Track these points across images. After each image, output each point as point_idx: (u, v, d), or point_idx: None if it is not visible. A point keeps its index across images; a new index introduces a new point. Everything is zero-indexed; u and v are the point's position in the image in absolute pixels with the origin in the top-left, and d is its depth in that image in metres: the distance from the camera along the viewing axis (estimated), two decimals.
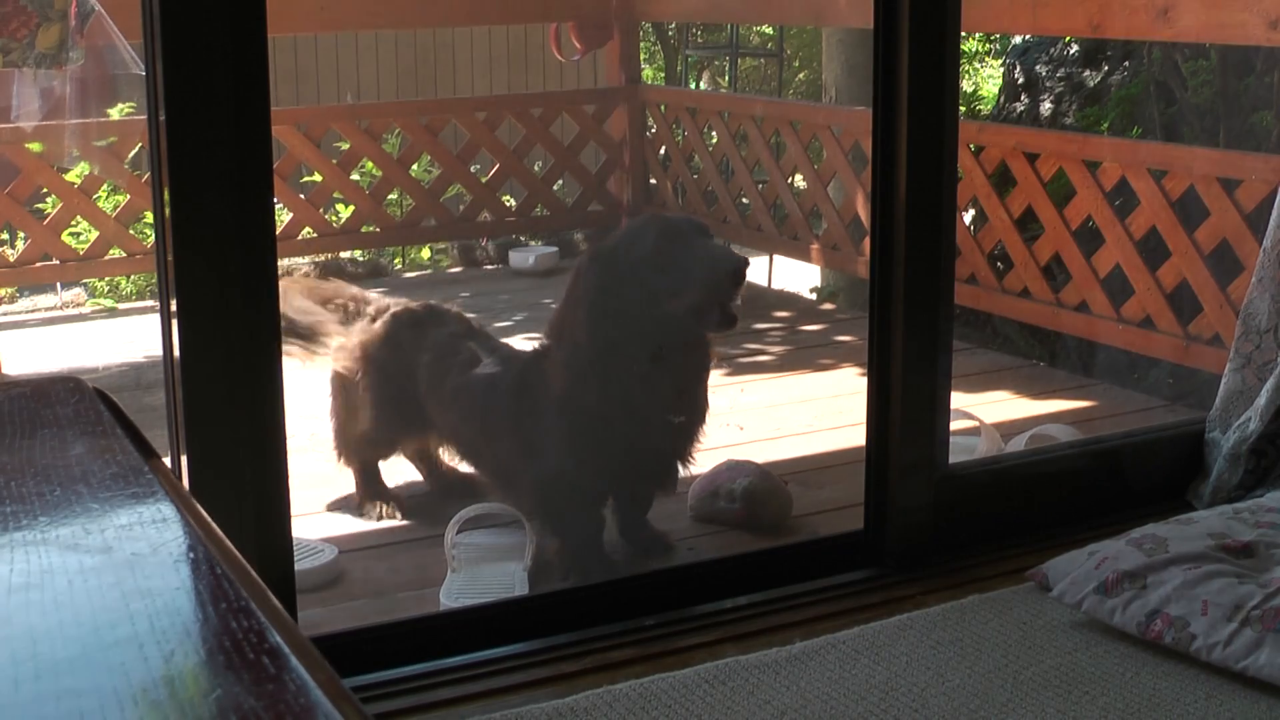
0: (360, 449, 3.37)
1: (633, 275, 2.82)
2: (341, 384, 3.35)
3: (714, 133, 6.54)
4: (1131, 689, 2.35)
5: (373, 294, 3.48)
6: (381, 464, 3.43)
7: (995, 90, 7.30)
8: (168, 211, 2.17)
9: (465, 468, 3.42)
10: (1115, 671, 2.41)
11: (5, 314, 5.95)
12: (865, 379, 2.86)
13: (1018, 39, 6.31)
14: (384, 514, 3.32)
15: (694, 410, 2.96)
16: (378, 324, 3.32)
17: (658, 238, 2.83)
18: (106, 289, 6.22)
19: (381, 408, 3.30)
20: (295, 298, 3.37)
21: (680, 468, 3.03)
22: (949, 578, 2.80)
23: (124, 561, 0.89)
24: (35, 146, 5.39)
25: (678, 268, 2.80)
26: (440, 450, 3.44)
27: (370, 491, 3.37)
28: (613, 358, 2.84)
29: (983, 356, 4.89)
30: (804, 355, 4.81)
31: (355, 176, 6.19)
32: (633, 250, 2.84)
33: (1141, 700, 2.32)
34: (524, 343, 3.41)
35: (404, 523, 3.31)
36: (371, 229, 6.15)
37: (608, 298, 2.82)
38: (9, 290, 6.10)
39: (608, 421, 2.89)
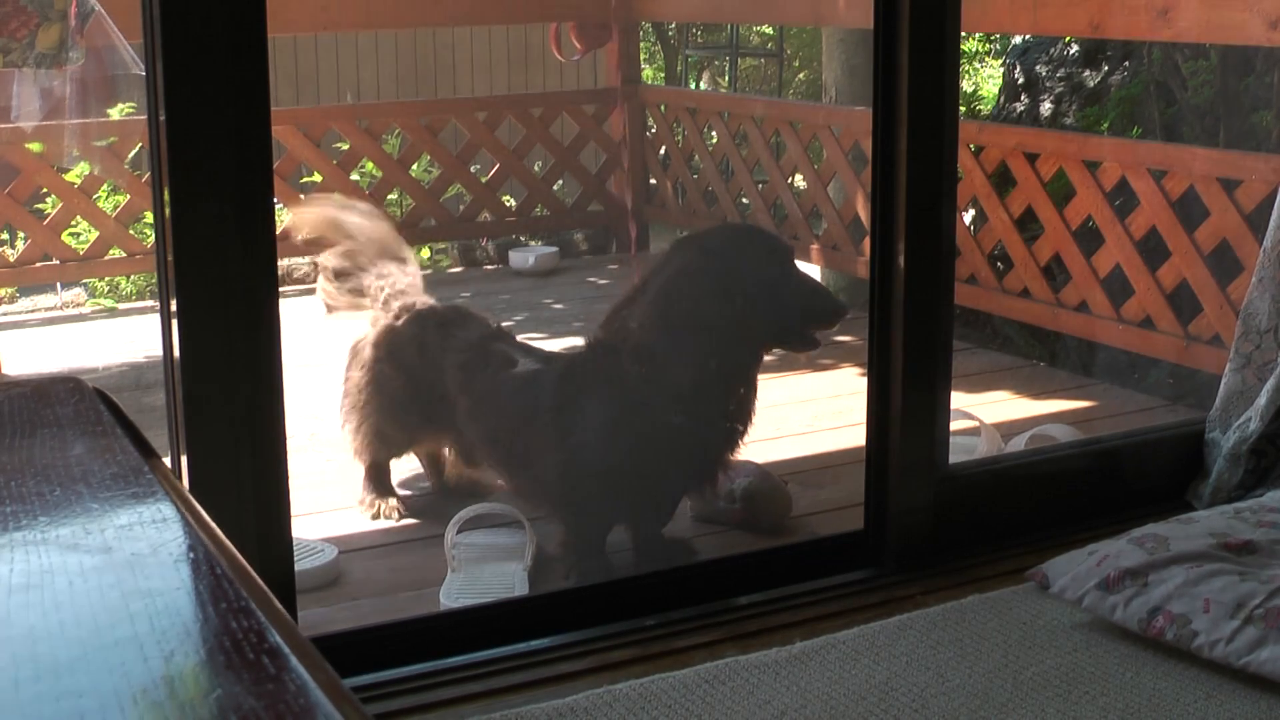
0: (375, 446, 3.36)
1: (724, 282, 2.83)
2: (360, 380, 3.34)
3: (714, 133, 6.54)
4: (1131, 689, 2.35)
5: (402, 283, 3.40)
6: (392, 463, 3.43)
7: (995, 90, 7.30)
8: (168, 211, 2.17)
9: (470, 468, 3.42)
10: (1115, 671, 2.41)
11: (5, 314, 5.94)
12: (865, 379, 2.86)
13: (1018, 39, 6.30)
14: (384, 513, 3.32)
15: (745, 415, 2.96)
16: (401, 322, 3.30)
17: (762, 256, 2.88)
18: (106, 289, 6.22)
19: (400, 406, 3.30)
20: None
21: (721, 473, 3.03)
22: (949, 578, 2.80)
23: (124, 561, 0.89)
24: (35, 146, 5.39)
25: (779, 292, 2.85)
26: (452, 451, 3.43)
27: (376, 489, 3.37)
28: (679, 355, 2.84)
29: (983, 356, 4.89)
30: (804, 355, 4.81)
31: (355, 176, 6.19)
32: (729, 259, 2.86)
33: (1141, 700, 2.32)
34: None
35: (404, 523, 3.31)
36: None
37: (695, 296, 2.82)
38: (9, 290, 6.10)
39: (662, 416, 2.88)
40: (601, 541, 3.01)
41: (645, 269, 3.04)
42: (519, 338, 3.30)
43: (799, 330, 2.93)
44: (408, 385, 3.28)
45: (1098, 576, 2.56)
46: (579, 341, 3.09)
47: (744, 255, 2.88)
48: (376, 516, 3.32)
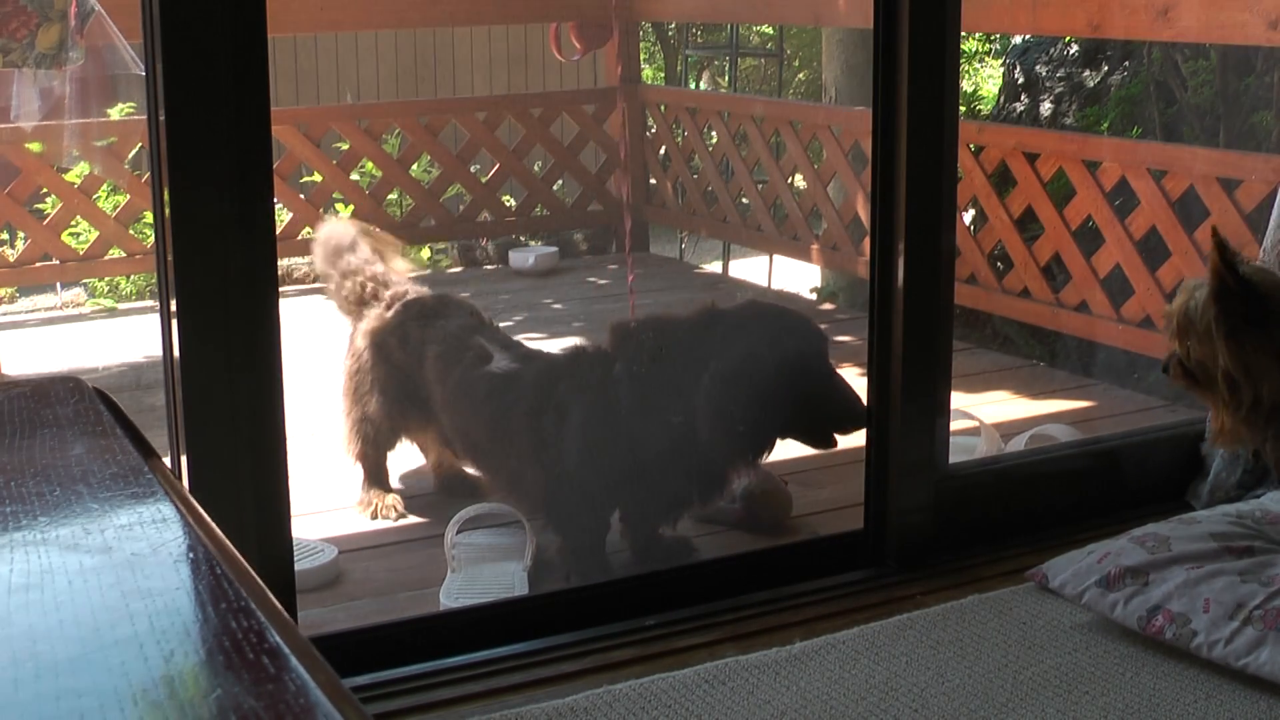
0: (362, 436, 3.36)
1: (753, 364, 2.84)
2: (350, 369, 3.35)
3: (714, 133, 6.54)
4: (1131, 689, 2.35)
5: (394, 277, 3.43)
6: (388, 458, 3.43)
7: (995, 90, 7.30)
8: (168, 211, 2.17)
9: (454, 461, 3.42)
10: (1115, 671, 2.41)
11: (5, 314, 5.94)
12: (865, 379, 2.86)
13: (1018, 39, 6.30)
14: (381, 511, 3.31)
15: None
16: (390, 312, 3.32)
17: (802, 353, 2.89)
18: (106, 289, 6.22)
19: (387, 396, 3.30)
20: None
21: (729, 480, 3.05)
22: (949, 578, 2.80)
23: (124, 561, 0.89)
24: (35, 146, 5.40)
25: (807, 390, 2.87)
26: (446, 444, 3.43)
27: (373, 486, 3.37)
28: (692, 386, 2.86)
29: (983, 356, 4.89)
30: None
31: (355, 176, 6.19)
32: (765, 347, 2.87)
33: (1141, 700, 2.32)
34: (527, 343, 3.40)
35: (403, 523, 3.31)
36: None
37: (722, 361, 2.85)
38: (9, 290, 6.10)
39: (679, 429, 2.89)
40: (599, 545, 3.00)
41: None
42: (517, 338, 3.30)
43: (816, 430, 2.95)
44: (391, 374, 3.29)
45: (1098, 574, 2.56)
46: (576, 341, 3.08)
47: (782, 347, 2.90)
48: (375, 515, 3.32)
